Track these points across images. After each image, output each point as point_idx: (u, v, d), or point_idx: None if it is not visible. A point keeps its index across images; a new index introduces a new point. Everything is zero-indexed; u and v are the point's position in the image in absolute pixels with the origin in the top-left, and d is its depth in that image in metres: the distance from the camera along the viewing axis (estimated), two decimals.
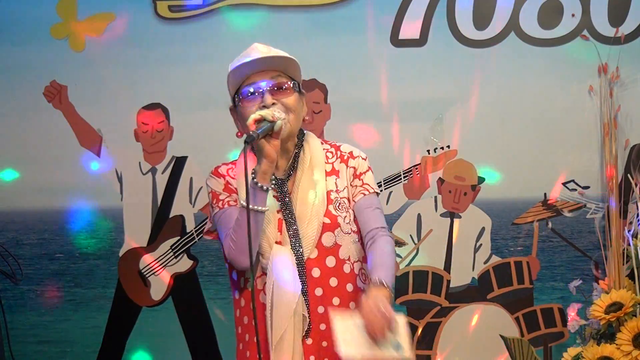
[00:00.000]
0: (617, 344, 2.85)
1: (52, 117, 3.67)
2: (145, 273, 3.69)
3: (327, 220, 2.14)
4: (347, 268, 2.16)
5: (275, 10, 3.56)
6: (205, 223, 3.65)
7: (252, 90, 2.13)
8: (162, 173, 3.67)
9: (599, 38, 3.39)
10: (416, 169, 3.51)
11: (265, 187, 2.06)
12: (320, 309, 2.13)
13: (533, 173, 3.48)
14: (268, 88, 2.12)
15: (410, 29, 3.48)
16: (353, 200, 2.21)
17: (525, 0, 3.43)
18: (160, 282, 3.68)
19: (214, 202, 2.21)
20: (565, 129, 3.44)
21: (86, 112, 3.68)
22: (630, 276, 3.11)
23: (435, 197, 3.53)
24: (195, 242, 3.67)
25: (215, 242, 3.66)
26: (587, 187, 3.45)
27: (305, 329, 2.11)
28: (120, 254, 3.71)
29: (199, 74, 3.60)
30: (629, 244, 3.13)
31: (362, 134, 3.50)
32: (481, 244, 3.53)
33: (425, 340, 3.53)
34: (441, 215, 3.54)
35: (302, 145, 2.23)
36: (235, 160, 2.26)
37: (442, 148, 3.51)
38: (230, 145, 3.52)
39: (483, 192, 3.51)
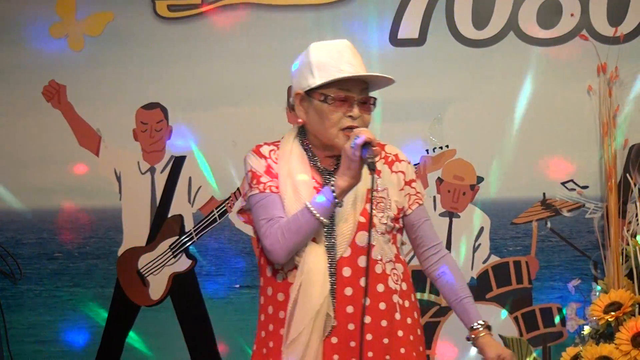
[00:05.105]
0: (616, 344, 2.85)
1: (51, 117, 3.67)
2: (144, 272, 3.69)
3: (363, 219, 2.10)
4: (378, 269, 2.11)
5: (275, 10, 3.55)
6: (209, 218, 3.65)
7: (343, 96, 2.08)
8: (161, 172, 3.67)
9: (598, 38, 3.39)
10: (415, 168, 3.51)
11: (340, 204, 2.05)
12: (349, 309, 2.08)
13: (532, 173, 3.48)
14: (360, 101, 2.10)
15: (410, 28, 3.48)
16: (409, 209, 2.18)
17: None
18: (159, 281, 3.68)
19: (254, 182, 2.13)
20: (564, 129, 3.44)
21: (85, 112, 3.67)
22: (629, 276, 3.11)
23: (434, 196, 3.53)
24: (194, 241, 3.67)
25: (215, 241, 3.66)
26: (586, 187, 3.44)
27: (330, 328, 2.07)
28: (119, 253, 3.70)
29: (199, 74, 3.60)
30: (627, 244, 3.13)
31: None
32: (480, 244, 3.53)
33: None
34: (440, 214, 3.54)
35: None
36: (277, 142, 2.20)
37: (441, 148, 3.51)
38: (229, 145, 3.54)
39: (482, 192, 3.51)
